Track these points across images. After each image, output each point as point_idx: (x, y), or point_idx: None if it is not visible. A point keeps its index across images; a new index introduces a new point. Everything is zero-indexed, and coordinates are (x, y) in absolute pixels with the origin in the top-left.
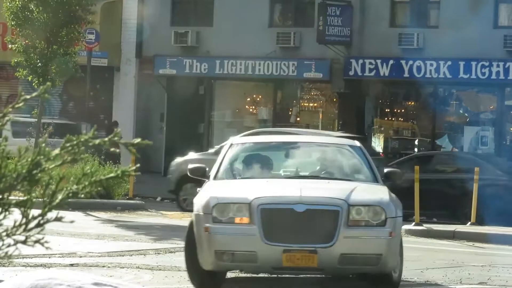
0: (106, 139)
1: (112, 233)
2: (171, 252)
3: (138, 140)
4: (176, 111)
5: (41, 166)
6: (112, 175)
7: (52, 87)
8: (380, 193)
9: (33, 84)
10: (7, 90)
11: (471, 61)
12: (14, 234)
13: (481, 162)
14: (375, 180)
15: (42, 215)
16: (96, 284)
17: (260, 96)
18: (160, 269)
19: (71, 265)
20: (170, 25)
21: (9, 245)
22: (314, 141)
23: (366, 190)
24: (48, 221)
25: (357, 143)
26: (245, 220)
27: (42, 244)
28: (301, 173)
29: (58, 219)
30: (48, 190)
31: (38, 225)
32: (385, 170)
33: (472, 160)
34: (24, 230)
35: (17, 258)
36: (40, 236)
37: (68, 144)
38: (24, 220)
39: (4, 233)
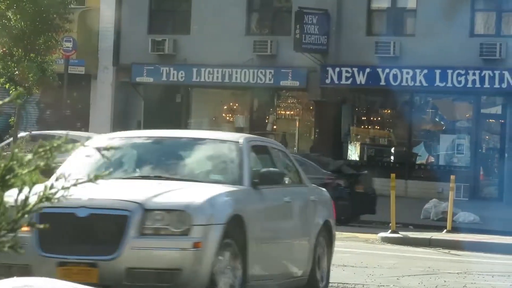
0: (78, 144)
1: None
2: None
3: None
4: (153, 119)
5: (14, 172)
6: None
7: (29, 95)
8: (201, 195)
9: (10, 91)
10: None
11: (447, 69)
12: None
13: (307, 162)
14: (240, 182)
15: (16, 220)
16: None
17: (237, 104)
18: None
19: None
20: (147, 33)
21: None
22: (185, 136)
23: (188, 192)
24: (21, 226)
25: (241, 139)
26: (25, 227)
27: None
28: (144, 174)
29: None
30: (21, 195)
31: (12, 230)
32: (261, 170)
33: (299, 160)
34: None
35: None
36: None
37: (41, 150)
38: None
39: None
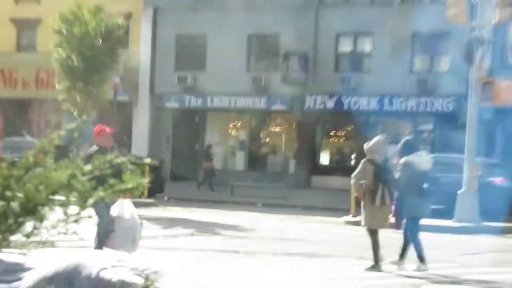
0: (125, 159)
1: None
2: (174, 237)
3: (148, 160)
4: (179, 135)
5: (77, 178)
6: (130, 185)
7: (88, 117)
8: None
9: (74, 114)
10: (56, 117)
11: (393, 97)
12: (57, 227)
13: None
14: None
15: (78, 213)
16: (119, 260)
17: (240, 123)
18: (166, 249)
19: None
20: (174, 71)
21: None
22: None
23: None
24: (82, 218)
25: None
26: None
27: (77, 235)
28: None
29: (90, 217)
30: (82, 195)
31: (75, 221)
32: None
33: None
34: (65, 224)
35: (76, 241)
36: (76, 229)
37: (97, 162)
38: (64, 217)
39: (50, 226)
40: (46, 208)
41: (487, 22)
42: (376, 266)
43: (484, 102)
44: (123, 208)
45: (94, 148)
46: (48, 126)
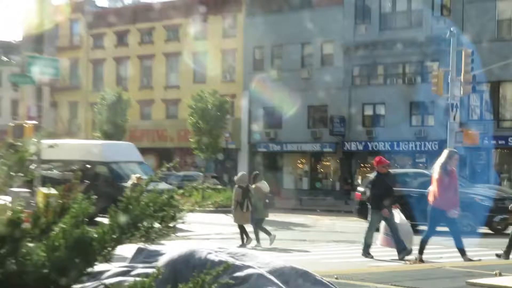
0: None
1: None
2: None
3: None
4: (267, 169)
5: (173, 198)
6: (209, 202)
7: (210, 158)
8: None
9: (202, 157)
10: (190, 159)
11: (399, 141)
12: (162, 230)
13: None
14: None
15: (175, 220)
16: (220, 248)
17: (304, 160)
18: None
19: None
20: (263, 128)
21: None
22: None
23: None
24: (177, 223)
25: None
26: None
27: (175, 233)
28: None
29: (184, 222)
30: (177, 209)
31: (172, 226)
32: None
33: None
34: (166, 228)
35: (194, 235)
36: (172, 234)
37: (186, 190)
38: (164, 224)
39: (158, 229)
40: (154, 218)
41: (456, 94)
42: (243, 245)
43: (458, 143)
44: (394, 215)
45: (374, 174)
46: (185, 165)
